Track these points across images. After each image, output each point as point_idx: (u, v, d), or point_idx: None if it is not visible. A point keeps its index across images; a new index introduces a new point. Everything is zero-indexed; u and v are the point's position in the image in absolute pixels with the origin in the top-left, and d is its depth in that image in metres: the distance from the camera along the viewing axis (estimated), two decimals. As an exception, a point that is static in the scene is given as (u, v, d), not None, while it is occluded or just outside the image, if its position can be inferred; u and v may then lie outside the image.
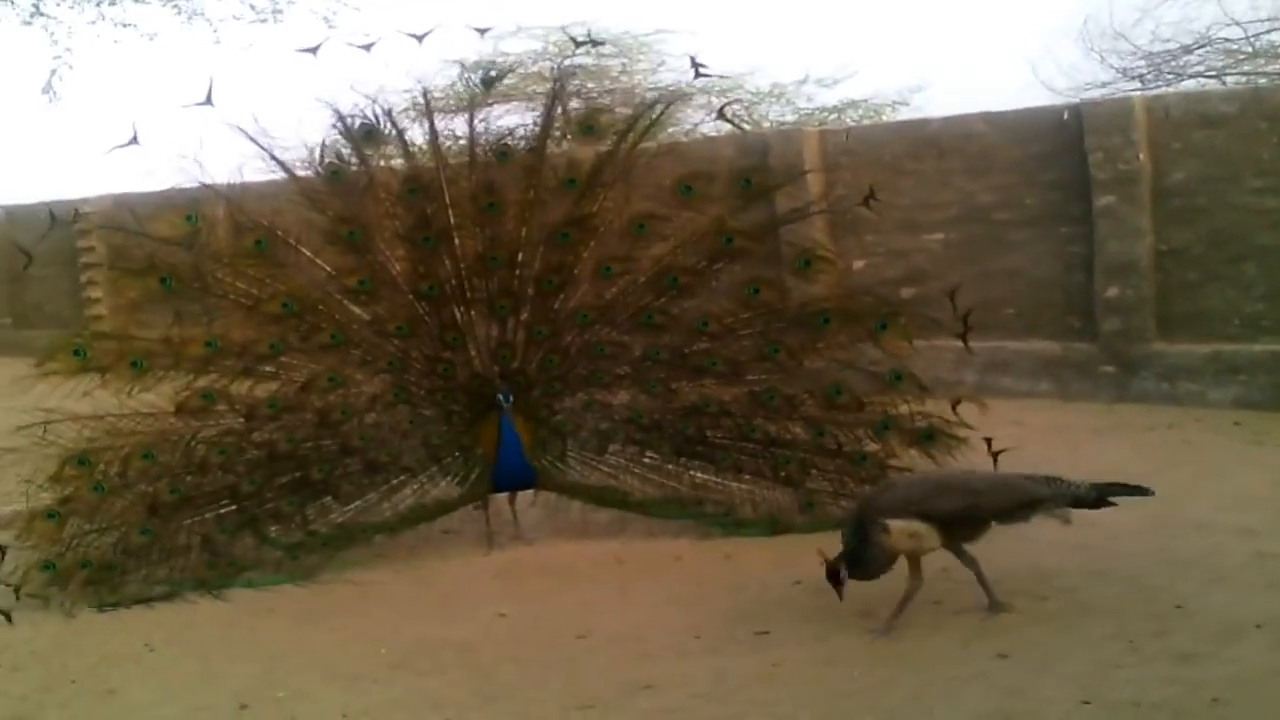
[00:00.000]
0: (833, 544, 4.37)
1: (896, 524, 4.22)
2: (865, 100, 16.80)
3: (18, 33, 16.46)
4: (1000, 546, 5.22)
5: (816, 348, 5.68)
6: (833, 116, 16.41)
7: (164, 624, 5.05)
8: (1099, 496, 4.48)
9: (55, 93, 15.22)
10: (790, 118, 15.64)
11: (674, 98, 6.22)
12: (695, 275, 5.78)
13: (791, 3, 25.66)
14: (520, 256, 5.78)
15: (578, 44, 5.97)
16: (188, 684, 4.46)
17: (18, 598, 5.09)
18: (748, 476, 5.76)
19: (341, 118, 5.71)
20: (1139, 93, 13.10)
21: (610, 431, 5.91)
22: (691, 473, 5.83)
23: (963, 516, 4.35)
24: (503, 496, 5.96)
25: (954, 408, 5.62)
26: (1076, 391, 8.73)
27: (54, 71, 14.98)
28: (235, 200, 5.64)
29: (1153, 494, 4.61)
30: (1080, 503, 4.46)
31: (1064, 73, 15.95)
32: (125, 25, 15.16)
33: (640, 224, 5.79)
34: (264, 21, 14.82)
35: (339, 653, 4.63)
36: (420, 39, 5.75)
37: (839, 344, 5.66)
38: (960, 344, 5.76)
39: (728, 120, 9.15)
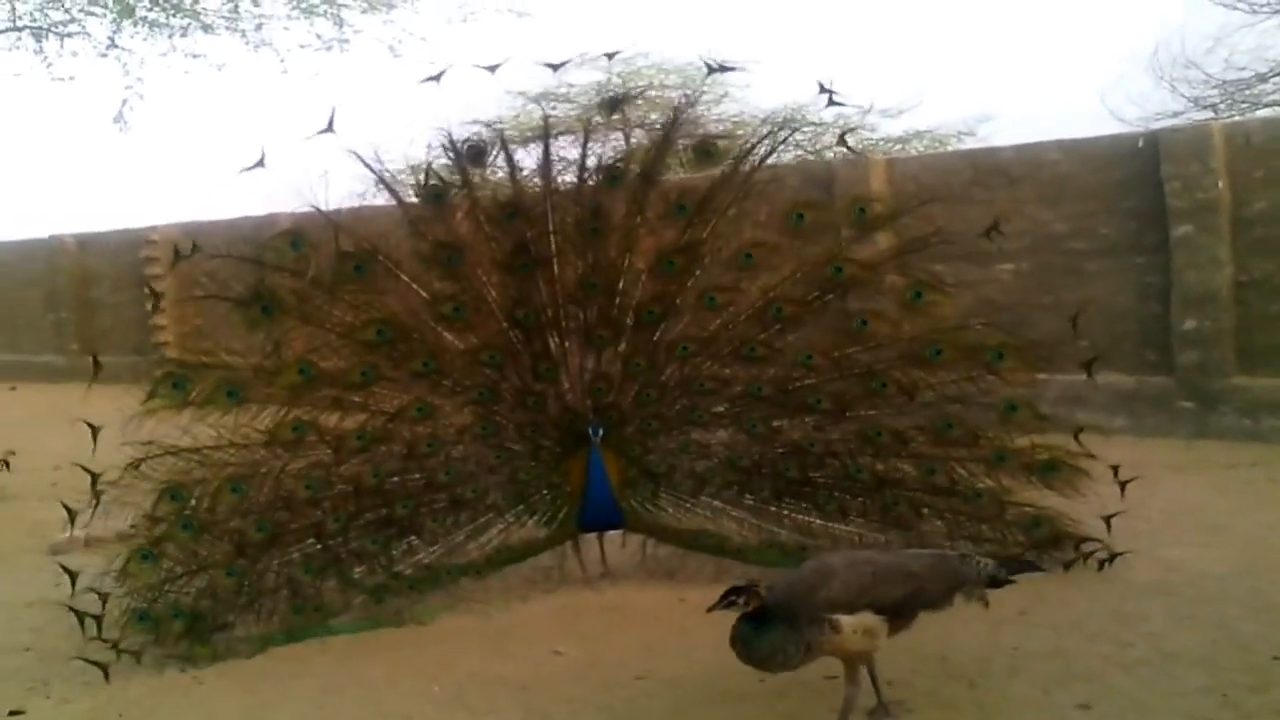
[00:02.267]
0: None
1: (849, 620, 3.64)
2: (930, 130, 16.70)
3: (93, 65, 16.86)
4: (1081, 590, 5.04)
5: (929, 382, 5.40)
6: (897, 147, 16.27)
7: (214, 656, 4.94)
8: (1007, 575, 4.07)
9: (126, 122, 15.55)
10: (855, 148, 15.51)
11: (792, 123, 6.01)
12: (802, 306, 5.54)
13: (856, 33, 25.60)
14: (621, 284, 5.59)
15: (710, 69, 5.79)
16: (235, 719, 4.36)
17: (118, 656, 4.85)
18: (855, 519, 5.47)
19: (451, 139, 5.56)
20: (1218, 120, 12.81)
21: (707, 473, 5.65)
22: (794, 516, 5.56)
23: (907, 605, 3.80)
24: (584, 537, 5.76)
25: (1076, 436, 5.40)
26: (1152, 427, 8.47)
27: (125, 101, 15.31)
28: (340, 225, 5.48)
29: (1045, 570, 4.55)
30: (994, 582, 4.00)
31: (1134, 102, 15.71)
32: (195, 56, 15.48)
33: (748, 253, 5.59)
34: (329, 50, 15.05)
35: (390, 689, 4.51)
36: (493, 70, 5.62)
37: (952, 376, 5.38)
38: (1031, 377, 5.51)
39: (848, 148, 8.89)
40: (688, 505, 5.68)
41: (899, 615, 3.78)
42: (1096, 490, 5.31)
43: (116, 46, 15.20)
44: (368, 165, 5.48)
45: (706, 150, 5.73)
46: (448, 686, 4.48)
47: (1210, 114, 14.72)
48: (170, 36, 15.34)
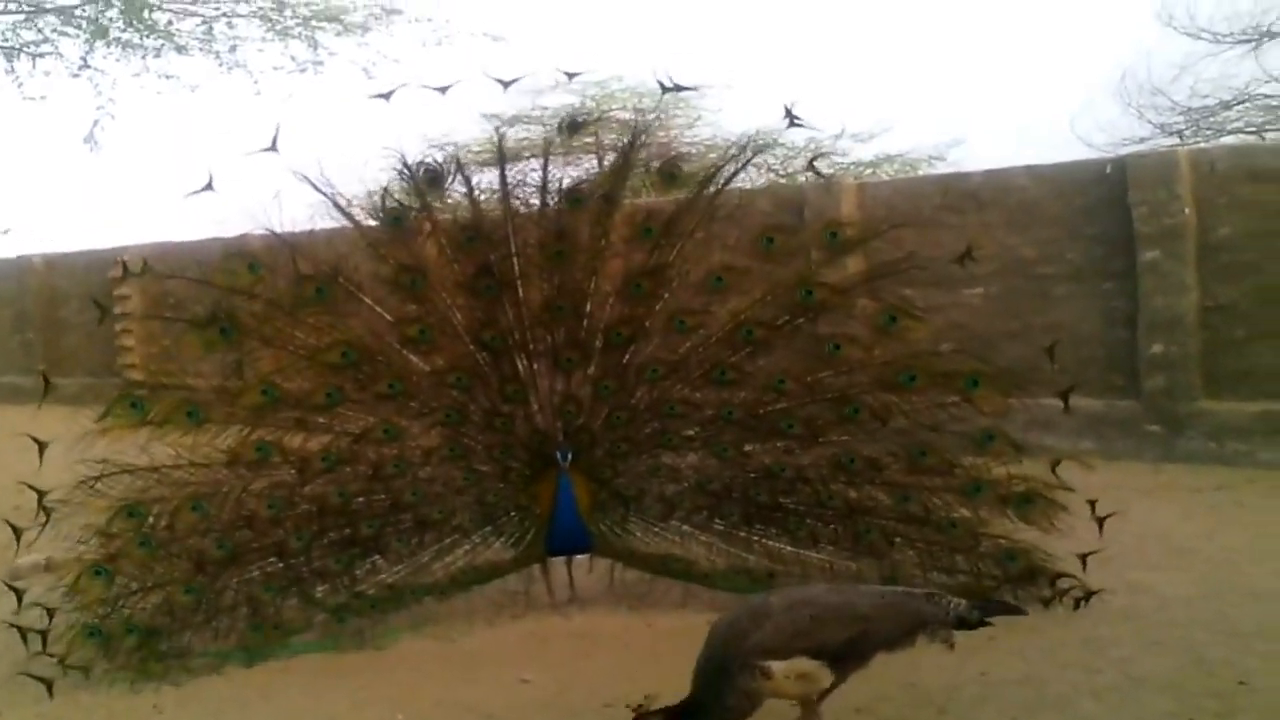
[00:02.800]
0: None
1: (780, 666, 3.54)
2: (901, 155, 16.80)
3: (65, 84, 16.74)
4: (1050, 616, 5.04)
5: (902, 408, 5.33)
6: (869, 171, 16.36)
7: (175, 684, 4.87)
8: (980, 618, 3.87)
9: (96, 142, 15.42)
10: (825, 172, 15.58)
11: (759, 146, 5.95)
12: (773, 330, 5.50)
13: (829, 59, 25.79)
14: (589, 307, 5.58)
15: (665, 89, 5.78)
16: (198, 748, 4.30)
17: (65, 671, 4.85)
18: (826, 546, 5.41)
19: (405, 163, 5.58)
20: (1183, 146, 12.99)
21: (676, 497, 5.61)
22: (764, 541, 5.51)
23: (854, 648, 3.67)
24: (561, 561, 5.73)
25: (1053, 469, 5.29)
26: (1120, 451, 8.50)
27: (96, 122, 15.19)
28: (297, 246, 5.50)
29: (1026, 614, 4.41)
30: (963, 623, 3.82)
31: (1102, 128, 15.95)
32: (168, 77, 15.40)
33: (719, 276, 5.55)
34: (303, 72, 15.02)
35: (354, 716, 4.46)
36: (444, 90, 5.63)
37: (926, 403, 5.31)
38: (1005, 404, 5.45)
39: (818, 173, 8.86)
40: (657, 529, 5.64)
41: (844, 658, 3.65)
42: (1070, 522, 5.22)
43: (89, 67, 15.09)
44: (319, 189, 5.48)
45: (671, 173, 5.73)
46: (413, 715, 4.43)
47: (1176, 140, 14.95)
48: (144, 57, 15.26)
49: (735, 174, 5.78)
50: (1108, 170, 8.86)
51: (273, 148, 5.33)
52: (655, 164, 5.79)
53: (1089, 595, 5.17)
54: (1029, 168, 9.20)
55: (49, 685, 4.72)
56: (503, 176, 5.67)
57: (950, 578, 5.17)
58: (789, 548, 5.44)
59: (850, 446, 5.40)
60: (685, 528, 5.61)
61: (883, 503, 5.36)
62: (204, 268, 5.54)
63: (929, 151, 16.52)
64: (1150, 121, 15.52)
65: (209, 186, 5.35)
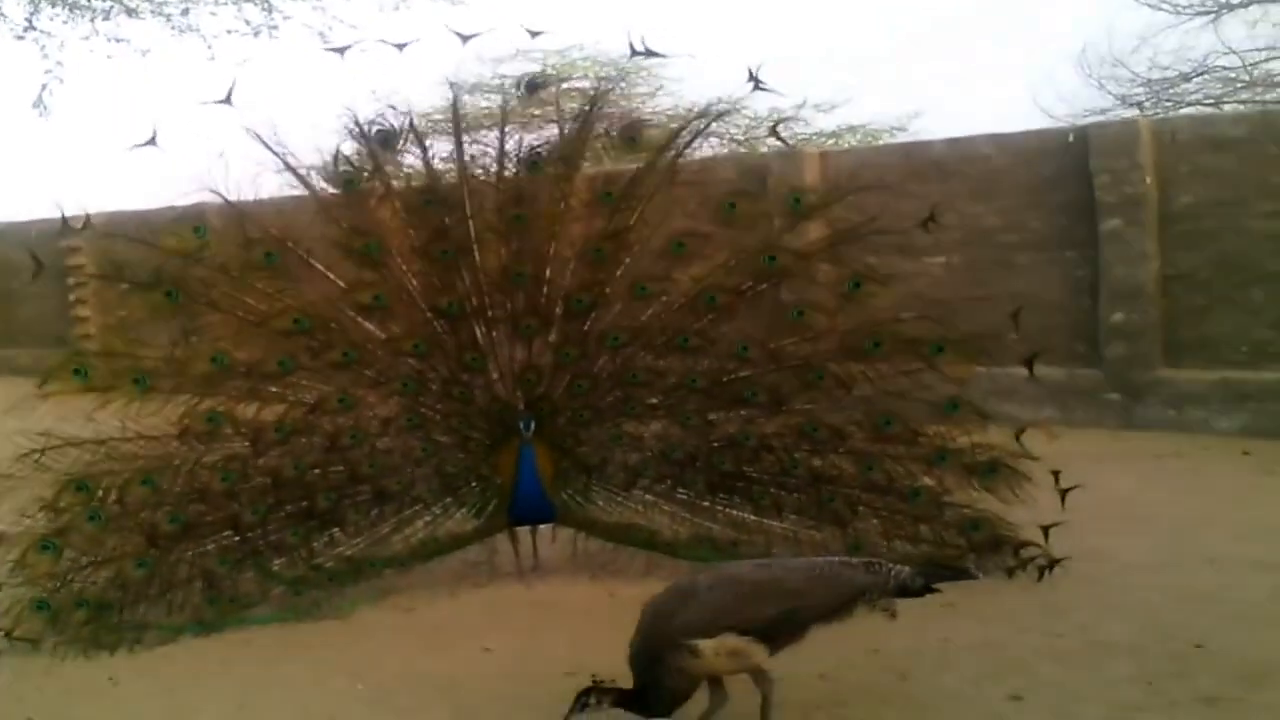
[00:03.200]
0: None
1: (708, 644, 3.50)
2: (863, 125, 16.79)
3: (9, 47, 16.37)
4: (1011, 581, 5.09)
5: (867, 375, 5.29)
6: (831, 141, 16.34)
7: (130, 655, 4.80)
8: (925, 584, 3.79)
9: (45, 107, 15.10)
10: (788, 139, 15.54)
11: (719, 112, 5.90)
12: (736, 296, 5.45)
13: (791, 29, 25.71)
14: (549, 273, 5.50)
15: (634, 52, 5.69)
16: (155, 721, 4.23)
17: (9, 640, 4.78)
18: (790, 515, 5.38)
19: (358, 123, 5.49)
20: (1145, 116, 13.07)
21: (639, 465, 5.57)
22: (727, 510, 5.47)
23: (785, 623, 3.62)
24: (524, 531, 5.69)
25: (1018, 437, 5.25)
26: (1081, 418, 8.58)
27: (45, 86, 14.87)
28: (245, 211, 5.41)
29: (979, 578, 4.38)
30: (906, 590, 3.74)
31: (1063, 99, 16.04)
32: (118, 40, 15.08)
33: (679, 242, 5.48)
34: (257, 36, 14.75)
35: (316, 689, 4.40)
36: (401, 47, 5.55)
37: (890, 370, 5.25)
38: (970, 371, 5.43)
39: (779, 139, 8.82)
40: (620, 499, 5.60)
41: (775, 634, 3.59)
42: (1032, 491, 5.17)
43: (35, 29, 14.74)
44: (269, 147, 5.39)
45: (632, 138, 5.65)
46: (374, 685, 4.39)
47: (1136, 111, 15.04)
48: (92, 20, 14.90)
49: (696, 136, 5.74)
50: (1070, 139, 8.90)
51: (227, 100, 5.25)
52: (616, 129, 5.72)
53: (1053, 564, 5.15)
54: (993, 136, 9.21)
55: None
56: (458, 138, 5.59)
57: (914, 546, 5.16)
58: (752, 517, 5.41)
59: (814, 414, 5.37)
60: (648, 497, 5.57)
61: (847, 471, 5.33)
62: (154, 231, 5.44)
63: (891, 122, 16.55)
64: (1111, 93, 15.64)
65: (153, 141, 5.29)
